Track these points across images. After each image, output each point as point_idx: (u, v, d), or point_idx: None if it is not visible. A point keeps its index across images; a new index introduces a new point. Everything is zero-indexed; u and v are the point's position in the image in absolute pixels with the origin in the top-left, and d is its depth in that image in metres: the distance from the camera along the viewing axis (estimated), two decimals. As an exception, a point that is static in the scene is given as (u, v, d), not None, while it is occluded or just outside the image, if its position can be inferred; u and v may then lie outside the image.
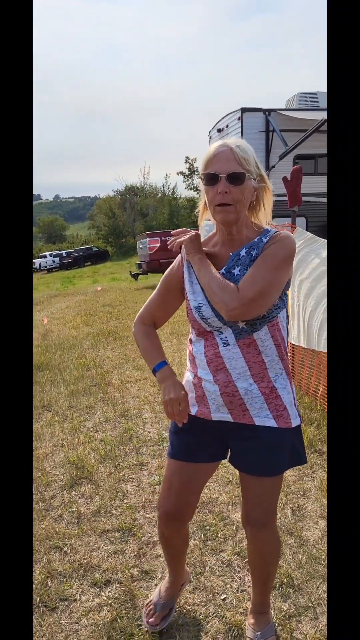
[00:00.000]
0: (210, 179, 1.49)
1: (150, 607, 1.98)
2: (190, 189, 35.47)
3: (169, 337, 6.87)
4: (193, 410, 1.71)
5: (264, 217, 1.64)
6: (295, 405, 1.69)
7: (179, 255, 1.74)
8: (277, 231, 1.60)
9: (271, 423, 1.63)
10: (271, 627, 1.88)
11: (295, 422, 1.66)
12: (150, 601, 2.00)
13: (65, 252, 38.19)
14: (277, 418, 1.63)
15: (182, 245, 1.66)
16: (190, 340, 1.75)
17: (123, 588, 2.18)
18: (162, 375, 1.68)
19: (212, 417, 1.67)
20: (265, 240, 1.57)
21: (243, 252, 1.57)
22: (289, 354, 4.84)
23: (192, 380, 1.71)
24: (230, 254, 1.59)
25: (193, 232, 1.66)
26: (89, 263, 33.62)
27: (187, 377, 1.77)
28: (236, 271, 1.56)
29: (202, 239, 1.68)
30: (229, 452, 1.76)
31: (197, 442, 1.73)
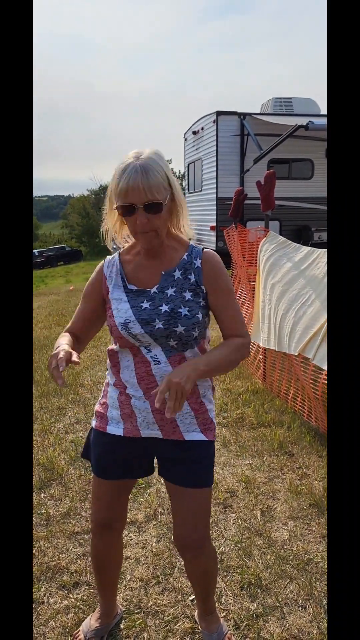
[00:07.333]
0: (127, 211, 1.46)
1: (79, 637, 1.90)
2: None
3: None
4: (119, 429, 1.65)
5: (181, 224, 1.61)
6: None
7: (100, 268, 1.66)
8: (199, 248, 1.61)
9: (200, 437, 1.63)
10: (222, 624, 1.91)
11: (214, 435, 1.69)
12: (79, 631, 1.92)
13: (38, 251, 37.66)
14: (204, 432, 1.64)
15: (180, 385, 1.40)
16: (113, 352, 1.66)
17: (91, 590, 2.16)
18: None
19: (142, 434, 1.63)
20: (198, 263, 1.57)
21: (178, 274, 1.56)
22: (260, 357, 4.86)
23: (118, 397, 1.65)
24: (162, 272, 1.57)
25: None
26: (62, 263, 33.22)
27: (110, 394, 1.68)
28: (170, 291, 1.54)
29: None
30: (157, 466, 1.72)
31: (124, 461, 1.68)
